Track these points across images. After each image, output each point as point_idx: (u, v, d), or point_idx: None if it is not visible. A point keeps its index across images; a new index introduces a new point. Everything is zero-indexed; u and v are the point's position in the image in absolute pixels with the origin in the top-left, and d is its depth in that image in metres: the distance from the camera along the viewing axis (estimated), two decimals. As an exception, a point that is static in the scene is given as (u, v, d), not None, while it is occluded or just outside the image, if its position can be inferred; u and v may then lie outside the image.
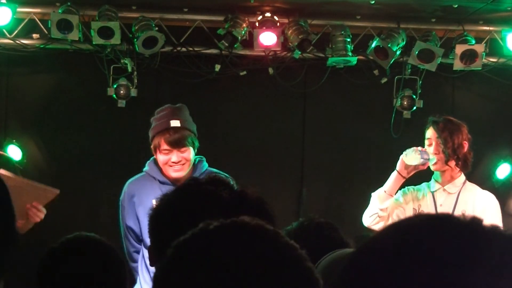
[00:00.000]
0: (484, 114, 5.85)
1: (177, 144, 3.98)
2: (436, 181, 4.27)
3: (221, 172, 3.90)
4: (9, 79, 5.66)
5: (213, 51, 5.57)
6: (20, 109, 5.67)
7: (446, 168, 4.21)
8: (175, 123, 3.99)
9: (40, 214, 4.05)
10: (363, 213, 4.31)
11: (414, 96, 5.72)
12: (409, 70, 5.68)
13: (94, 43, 5.32)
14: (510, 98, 5.85)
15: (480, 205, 4.21)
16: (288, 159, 5.84)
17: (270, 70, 5.64)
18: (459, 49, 5.52)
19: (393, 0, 5.36)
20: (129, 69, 5.47)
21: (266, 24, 5.46)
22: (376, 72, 5.68)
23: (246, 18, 5.46)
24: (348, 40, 5.48)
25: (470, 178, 4.33)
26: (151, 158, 4.13)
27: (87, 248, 2.40)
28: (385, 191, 4.23)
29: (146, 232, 3.98)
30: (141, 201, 4.08)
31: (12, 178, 4.08)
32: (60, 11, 5.28)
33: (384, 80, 5.71)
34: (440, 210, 4.21)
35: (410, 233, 1.00)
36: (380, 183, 4.29)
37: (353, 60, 5.51)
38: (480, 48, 5.53)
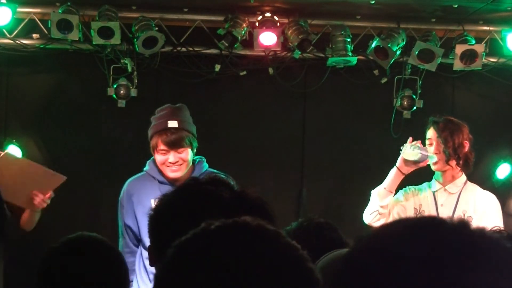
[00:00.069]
0: (484, 114, 5.85)
1: (174, 144, 3.98)
2: (437, 181, 4.27)
3: (221, 173, 3.90)
4: (9, 79, 5.66)
5: (213, 51, 5.57)
6: (20, 109, 5.67)
7: (447, 168, 4.20)
8: (173, 123, 4.00)
9: (44, 203, 4.10)
10: (363, 213, 4.31)
11: (414, 96, 5.72)
12: (409, 70, 5.68)
13: (94, 43, 5.32)
14: (510, 98, 5.85)
15: (481, 205, 4.21)
16: (288, 159, 5.83)
17: (270, 70, 5.64)
18: (459, 49, 5.52)
19: (393, 0, 5.36)
20: (129, 69, 5.47)
21: (266, 24, 5.46)
22: (376, 72, 5.68)
23: (246, 18, 5.46)
24: (348, 40, 5.48)
25: (470, 178, 4.33)
26: (152, 158, 4.14)
27: (88, 248, 2.40)
28: (384, 188, 4.23)
29: (144, 232, 4.01)
30: (139, 200, 4.09)
31: (19, 160, 4.10)
32: (60, 11, 5.28)
33: (384, 80, 5.71)
34: (441, 210, 4.22)
35: (410, 234, 1.00)
36: (380, 183, 4.29)
37: (353, 60, 5.51)
38: (480, 48, 5.53)
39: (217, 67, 5.59)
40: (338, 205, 5.77)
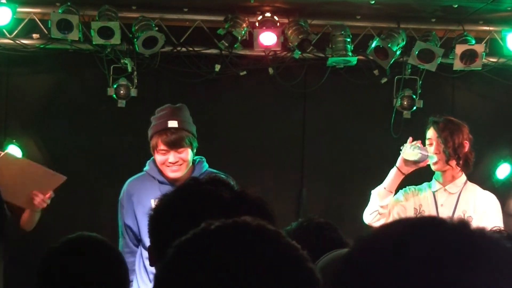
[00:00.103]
0: (484, 114, 5.85)
1: (174, 144, 3.98)
2: (437, 181, 4.27)
3: (221, 173, 3.90)
4: (9, 79, 5.66)
5: (213, 51, 5.57)
6: (20, 109, 5.67)
7: (447, 168, 4.20)
8: (172, 123, 4.00)
9: (44, 203, 4.10)
10: (363, 213, 4.31)
11: (414, 96, 5.72)
12: (409, 70, 5.68)
13: (94, 43, 5.32)
14: (510, 98, 5.85)
15: (481, 206, 4.21)
16: (288, 159, 5.83)
17: (270, 70, 5.64)
18: (459, 49, 5.52)
19: (393, 0, 5.36)
20: (129, 69, 5.47)
21: (266, 24, 5.46)
22: (376, 72, 5.68)
23: (246, 18, 5.46)
24: (348, 40, 5.48)
25: (470, 178, 4.33)
26: (152, 158, 4.14)
27: (88, 248, 2.39)
28: (384, 188, 4.23)
29: (144, 232, 4.01)
30: (139, 200, 4.09)
31: (19, 160, 4.10)
32: (60, 11, 5.28)
33: (384, 80, 5.71)
34: (441, 210, 4.22)
35: (410, 234, 1.00)
36: (380, 183, 4.29)
37: (353, 60, 5.51)
38: (480, 48, 5.53)
39: (217, 67, 5.59)
40: (338, 205, 5.77)
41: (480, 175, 5.25)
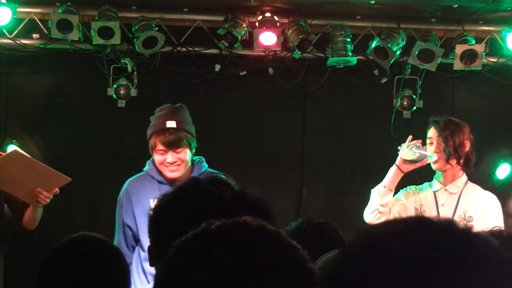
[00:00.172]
0: (484, 114, 5.85)
1: (172, 145, 3.98)
2: (438, 180, 4.27)
3: (220, 173, 3.90)
4: (9, 79, 5.66)
5: (213, 51, 5.57)
6: (20, 109, 5.67)
7: (447, 167, 4.20)
8: (171, 123, 4.00)
9: (47, 199, 4.16)
10: (363, 212, 4.31)
11: (414, 96, 5.72)
12: (409, 70, 5.68)
13: (94, 43, 5.32)
14: (510, 98, 5.85)
15: (481, 206, 4.21)
16: (288, 159, 5.83)
17: (270, 70, 5.64)
18: (459, 49, 5.52)
19: (393, 0, 5.36)
20: (129, 69, 5.47)
21: (266, 24, 5.46)
22: (376, 72, 5.68)
23: (246, 18, 5.46)
24: (348, 40, 5.48)
25: (470, 178, 4.33)
26: (151, 158, 4.14)
27: (90, 248, 2.39)
28: (384, 186, 4.23)
29: (142, 232, 4.01)
30: (139, 200, 4.09)
31: (27, 157, 4.17)
32: (60, 11, 5.28)
33: (384, 80, 5.71)
34: (442, 210, 4.22)
35: (409, 234, 1.00)
36: (380, 182, 4.29)
37: (353, 60, 5.51)
38: (480, 48, 5.53)
39: (217, 67, 5.59)
40: (338, 205, 5.77)
41: (480, 175, 5.25)
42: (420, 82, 5.70)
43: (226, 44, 5.45)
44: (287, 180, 5.82)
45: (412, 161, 4.16)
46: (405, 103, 5.71)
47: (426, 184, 4.32)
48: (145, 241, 4.01)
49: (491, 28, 5.67)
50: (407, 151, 4.13)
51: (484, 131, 5.44)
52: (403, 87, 5.70)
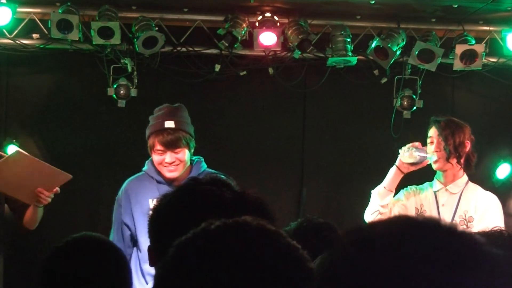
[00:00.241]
0: (484, 114, 5.85)
1: (171, 145, 3.98)
2: (439, 180, 4.26)
3: (219, 173, 3.90)
4: (9, 79, 5.66)
5: (213, 51, 5.57)
6: (20, 109, 5.67)
7: (447, 166, 4.20)
8: (169, 124, 3.99)
9: (48, 198, 4.16)
10: (363, 213, 4.31)
11: (414, 96, 5.72)
12: (409, 70, 5.68)
13: (94, 43, 5.32)
14: (510, 98, 5.85)
15: (482, 206, 4.21)
16: (288, 159, 5.83)
17: (270, 70, 5.64)
18: (459, 49, 5.53)
19: (393, 0, 5.36)
20: (129, 69, 5.47)
21: (266, 24, 5.46)
22: (376, 72, 5.68)
23: (246, 18, 5.46)
24: (348, 40, 5.48)
25: (470, 178, 4.33)
26: (150, 158, 4.14)
27: (92, 248, 2.39)
28: (384, 187, 4.23)
29: (141, 232, 4.00)
30: (137, 199, 4.08)
31: (29, 157, 4.17)
32: (60, 11, 5.28)
33: (384, 80, 5.71)
34: (442, 210, 4.21)
35: (409, 234, 1.00)
36: (380, 183, 4.28)
37: (353, 60, 5.51)
38: (480, 48, 5.54)
39: (217, 67, 5.59)
40: (338, 205, 5.77)
41: (480, 175, 5.24)
42: (420, 82, 5.70)
43: (226, 44, 5.45)
44: (287, 180, 5.82)
45: (413, 164, 4.17)
46: (405, 103, 5.72)
47: (426, 184, 4.31)
48: (143, 241, 4.01)
49: (491, 28, 5.67)
50: (408, 154, 4.14)
51: (484, 131, 5.44)
52: (403, 87, 5.70)
